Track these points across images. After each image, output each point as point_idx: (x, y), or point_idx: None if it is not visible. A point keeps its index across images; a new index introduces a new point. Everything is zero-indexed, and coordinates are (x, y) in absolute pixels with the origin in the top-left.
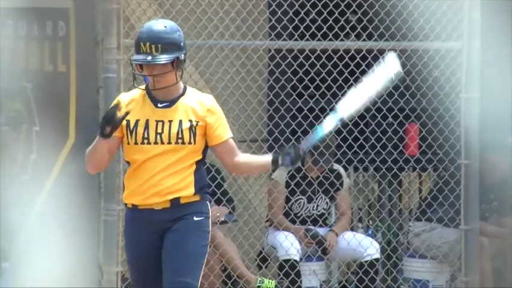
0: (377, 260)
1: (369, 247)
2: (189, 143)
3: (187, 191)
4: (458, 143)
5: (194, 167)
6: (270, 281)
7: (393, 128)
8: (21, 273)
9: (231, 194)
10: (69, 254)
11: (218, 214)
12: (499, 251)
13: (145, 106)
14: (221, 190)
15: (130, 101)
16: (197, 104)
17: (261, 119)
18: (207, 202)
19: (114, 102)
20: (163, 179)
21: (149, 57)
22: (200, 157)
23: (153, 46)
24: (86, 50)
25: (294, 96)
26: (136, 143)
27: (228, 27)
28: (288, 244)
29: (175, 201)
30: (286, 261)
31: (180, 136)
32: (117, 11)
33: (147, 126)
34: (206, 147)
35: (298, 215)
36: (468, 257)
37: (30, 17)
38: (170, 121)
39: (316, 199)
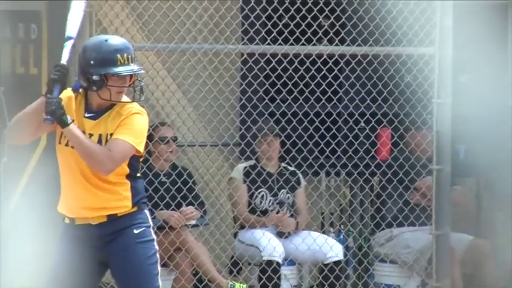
0: (338, 262)
1: (329, 250)
2: None
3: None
4: (430, 148)
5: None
6: (241, 284)
7: (365, 132)
8: None
9: (202, 197)
10: (43, 256)
11: (194, 213)
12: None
13: (79, 111)
14: (192, 194)
15: (69, 99)
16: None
17: (233, 123)
18: (146, 211)
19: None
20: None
21: (134, 67)
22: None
23: (129, 57)
24: (58, 53)
25: (267, 100)
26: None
27: (200, 31)
28: (272, 245)
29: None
30: (269, 262)
31: None
32: (89, 14)
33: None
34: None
35: (263, 209)
36: (439, 262)
37: (3, 20)
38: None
39: (280, 194)
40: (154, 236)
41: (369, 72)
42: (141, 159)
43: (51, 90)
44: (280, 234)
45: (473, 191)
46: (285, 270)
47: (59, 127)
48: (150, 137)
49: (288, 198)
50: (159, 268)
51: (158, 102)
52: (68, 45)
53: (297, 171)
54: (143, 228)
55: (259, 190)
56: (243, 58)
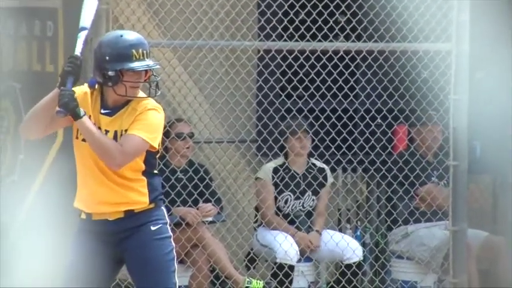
0: (357, 263)
1: (347, 249)
2: None
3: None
4: (447, 144)
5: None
6: (258, 281)
7: (382, 129)
8: (10, 273)
9: (219, 194)
10: (58, 254)
11: (211, 209)
12: (485, 252)
13: (95, 107)
14: (209, 190)
15: (85, 94)
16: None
17: (250, 120)
18: (163, 208)
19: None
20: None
21: (149, 62)
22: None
23: (144, 52)
24: (74, 50)
25: (283, 96)
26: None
27: (217, 27)
28: (287, 246)
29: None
30: (283, 264)
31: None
32: (106, 11)
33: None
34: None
35: (286, 212)
36: (456, 258)
37: (19, 17)
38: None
39: (303, 196)
40: (171, 233)
41: (385, 68)
42: (157, 156)
43: (64, 83)
44: (302, 253)
45: (489, 188)
46: (302, 267)
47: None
48: (166, 134)
49: (313, 201)
50: (176, 265)
51: (175, 99)
52: (81, 36)
53: (325, 168)
54: (160, 225)
55: (283, 194)
56: (259, 55)
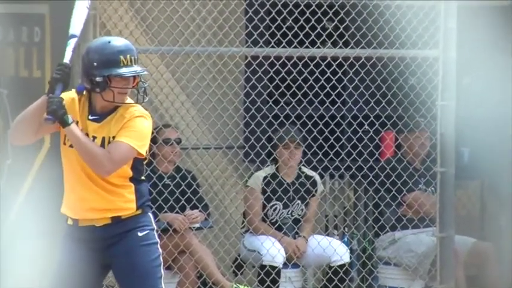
0: (343, 265)
1: (334, 253)
2: None
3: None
4: (434, 151)
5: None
6: (246, 287)
7: (369, 135)
8: (2, 274)
9: (206, 200)
10: (46, 259)
11: (198, 216)
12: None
13: (83, 113)
14: (197, 196)
15: (73, 100)
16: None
17: (237, 126)
18: (150, 214)
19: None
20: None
21: (137, 68)
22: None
23: (132, 58)
24: (62, 56)
25: (271, 103)
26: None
27: (204, 33)
28: (275, 250)
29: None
30: (271, 267)
31: None
32: (93, 16)
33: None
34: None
35: (273, 220)
36: (444, 264)
37: (6, 23)
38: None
39: (292, 205)
40: (157, 239)
41: (372, 74)
42: (145, 162)
43: (53, 90)
44: (289, 259)
45: (477, 193)
46: (289, 273)
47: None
48: (154, 140)
49: (302, 210)
50: (163, 271)
51: (162, 105)
52: (71, 44)
53: (316, 178)
54: (147, 231)
55: (273, 203)
56: (247, 61)
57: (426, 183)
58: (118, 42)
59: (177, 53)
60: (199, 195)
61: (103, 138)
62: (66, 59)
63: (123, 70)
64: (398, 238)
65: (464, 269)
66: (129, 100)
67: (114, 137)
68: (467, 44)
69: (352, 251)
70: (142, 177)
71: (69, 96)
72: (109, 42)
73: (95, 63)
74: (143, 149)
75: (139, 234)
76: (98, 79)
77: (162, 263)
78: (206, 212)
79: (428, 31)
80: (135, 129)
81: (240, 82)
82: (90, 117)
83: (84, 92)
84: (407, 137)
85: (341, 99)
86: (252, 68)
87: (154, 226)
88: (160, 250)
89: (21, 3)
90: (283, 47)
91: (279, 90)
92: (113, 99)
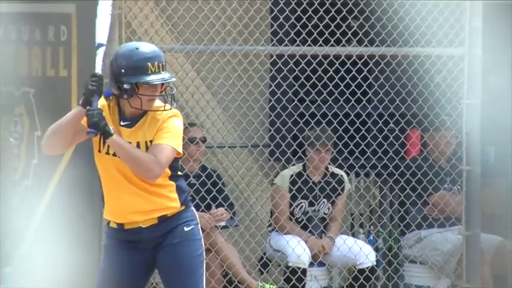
0: (370, 268)
1: (360, 254)
2: None
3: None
4: (460, 149)
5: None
6: (271, 286)
7: (395, 133)
8: (23, 278)
9: (232, 199)
10: (70, 259)
11: (223, 214)
12: (499, 257)
13: (114, 120)
14: (222, 195)
15: (103, 108)
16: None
17: (262, 124)
18: (192, 208)
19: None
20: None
21: (165, 75)
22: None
23: (160, 65)
24: (88, 55)
25: (296, 101)
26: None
27: (230, 32)
28: (300, 250)
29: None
30: (296, 268)
31: None
32: (119, 16)
33: None
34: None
35: (300, 219)
36: (470, 263)
37: (33, 22)
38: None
39: (318, 203)
40: (201, 235)
41: (398, 73)
42: (181, 159)
43: (90, 102)
44: (314, 258)
45: (504, 192)
46: (314, 271)
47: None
48: None
49: (328, 209)
50: (203, 272)
51: (188, 104)
52: (100, 53)
53: (343, 177)
54: (192, 226)
55: (299, 202)
56: (272, 59)
57: (452, 181)
58: (146, 48)
59: (202, 52)
60: (225, 193)
61: (138, 143)
62: (98, 69)
63: (151, 77)
64: (424, 236)
65: (491, 267)
66: (158, 102)
67: (151, 141)
68: (492, 42)
69: (377, 250)
70: (179, 173)
71: (100, 104)
72: (137, 48)
73: (123, 70)
74: (180, 147)
75: (186, 229)
76: (125, 86)
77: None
78: (232, 210)
79: (454, 29)
80: (171, 130)
81: (266, 81)
82: (121, 123)
83: (111, 97)
84: (433, 136)
85: (366, 97)
86: (278, 66)
87: (198, 220)
88: (203, 247)
89: (47, 3)
90: (309, 45)
91: (304, 89)
92: (140, 106)
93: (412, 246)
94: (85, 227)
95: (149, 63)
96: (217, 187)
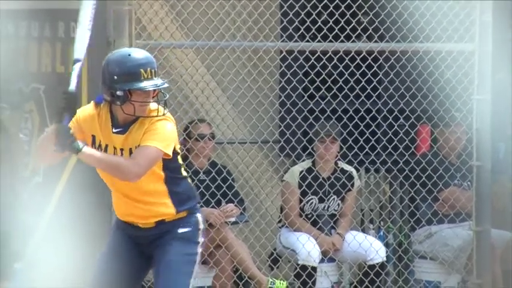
0: (380, 264)
1: (370, 250)
2: None
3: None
4: (470, 145)
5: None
6: (282, 281)
7: (405, 129)
8: (33, 274)
9: (242, 195)
10: (80, 255)
11: (233, 210)
12: (509, 252)
13: (106, 127)
14: (232, 191)
15: (92, 117)
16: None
17: (272, 121)
18: (197, 215)
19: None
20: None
21: (158, 81)
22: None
23: (153, 71)
24: (98, 51)
25: (306, 97)
26: None
27: (239, 28)
28: (310, 248)
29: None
30: (306, 265)
31: None
32: (129, 12)
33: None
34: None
35: (310, 215)
36: (480, 259)
37: (43, 19)
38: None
39: (328, 200)
40: (200, 240)
41: (408, 68)
42: (179, 159)
43: (60, 119)
44: (324, 254)
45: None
46: (325, 267)
47: (90, 142)
48: (188, 135)
49: (338, 205)
50: (195, 269)
51: (197, 100)
52: (76, 69)
53: (353, 172)
54: (188, 229)
55: (309, 198)
56: (282, 55)
57: (462, 177)
58: (138, 54)
59: (212, 48)
60: (235, 189)
61: (130, 150)
62: (72, 85)
63: (144, 84)
64: (434, 232)
65: (501, 263)
66: (154, 105)
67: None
68: (500, 38)
69: (387, 245)
70: (183, 174)
71: (88, 113)
72: (129, 55)
73: (115, 77)
74: (168, 148)
75: (179, 230)
76: (118, 93)
77: (197, 262)
78: (242, 206)
79: (464, 24)
80: (157, 132)
81: (275, 76)
82: (114, 131)
83: (103, 104)
84: (443, 131)
85: (376, 93)
86: (287, 62)
87: (201, 227)
88: (199, 250)
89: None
90: (318, 41)
91: (314, 85)
92: (133, 112)
93: (422, 242)
94: (95, 223)
95: (142, 70)
96: (227, 183)
